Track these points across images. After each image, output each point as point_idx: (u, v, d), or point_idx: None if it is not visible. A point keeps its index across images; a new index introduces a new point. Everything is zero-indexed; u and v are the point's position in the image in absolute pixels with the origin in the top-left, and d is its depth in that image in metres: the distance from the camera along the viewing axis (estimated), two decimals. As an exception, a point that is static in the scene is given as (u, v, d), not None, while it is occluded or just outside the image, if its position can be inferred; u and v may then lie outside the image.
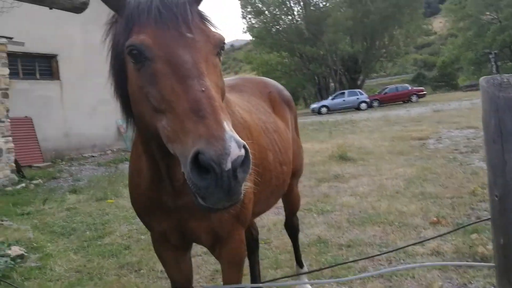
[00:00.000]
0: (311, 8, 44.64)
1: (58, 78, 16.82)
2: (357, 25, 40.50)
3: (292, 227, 3.91)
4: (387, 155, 10.63)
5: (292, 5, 45.40)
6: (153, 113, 1.56)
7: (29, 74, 16.31)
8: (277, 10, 44.78)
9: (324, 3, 44.98)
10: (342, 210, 6.36)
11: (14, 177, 10.77)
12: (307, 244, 5.08)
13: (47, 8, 3.30)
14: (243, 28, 48.21)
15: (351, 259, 4.53)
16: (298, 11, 45.85)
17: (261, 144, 2.60)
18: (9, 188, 10.07)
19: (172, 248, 2.36)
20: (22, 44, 11.82)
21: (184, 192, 1.93)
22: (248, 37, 47.01)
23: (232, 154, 1.30)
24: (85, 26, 15.26)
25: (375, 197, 6.86)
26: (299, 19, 45.99)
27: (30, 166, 13.52)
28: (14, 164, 10.90)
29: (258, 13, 45.46)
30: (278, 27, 45.37)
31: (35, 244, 5.60)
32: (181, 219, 2.12)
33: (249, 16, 46.25)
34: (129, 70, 1.67)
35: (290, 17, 45.94)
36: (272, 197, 2.86)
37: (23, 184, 10.45)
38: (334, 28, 39.42)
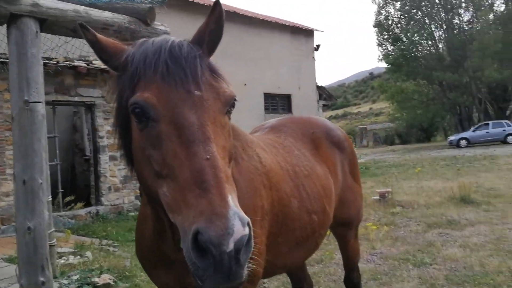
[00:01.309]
0: (455, 31, 41.68)
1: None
2: (508, 48, 36.56)
3: (350, 284, 3.55)
4: (521, 200, 9.23)
5: (434, 29, 42.96)
6: (155, 177, 1.48)
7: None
8: (416, 35, 42.73)
9: (470, 25, 41.71)
10: (444, 264, 5.63)
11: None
12: (389, 302, 4.56)
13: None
14: (379, 56, 46.63)
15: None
16: (439, 35, 43.19)
17: (283, 190, 2.40)
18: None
19: None
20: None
21: None
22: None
23: (235, 234, 1.21)
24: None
25: (488, 251, 5.95)
26: (440, 45, 43.30)
27: (156, 191, 14.67)
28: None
29: (395, 39, 43.89)
30: (417, 53, 43.24)
31: (127, 273, 5.89)
32: (182, 273, 2.00)
33: (386, 43, 44.98)
34: (133, 128, 1.61)
35: (430, 42, 43.49)
36: (299, 249, 2.60)
37: (144, 209, 11.30)
38: (480, 52, 36.14)
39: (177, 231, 1.82)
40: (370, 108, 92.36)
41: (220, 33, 1.65)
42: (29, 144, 3.14)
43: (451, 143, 32.97)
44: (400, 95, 42.59)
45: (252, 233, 1.27)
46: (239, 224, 1.22)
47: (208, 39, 1.64)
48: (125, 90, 1.59)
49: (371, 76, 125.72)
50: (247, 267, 1.29)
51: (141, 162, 1.57)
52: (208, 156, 1.35)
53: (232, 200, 1.28)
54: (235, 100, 1.60)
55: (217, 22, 1.62)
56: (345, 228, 3.25)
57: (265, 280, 5.48)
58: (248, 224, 1.25)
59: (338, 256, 6.25)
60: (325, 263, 6.03)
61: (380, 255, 6.25)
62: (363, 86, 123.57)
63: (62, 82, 10.31)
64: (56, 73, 9.75)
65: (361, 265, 5.73)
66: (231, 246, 1.19)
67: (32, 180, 3.15)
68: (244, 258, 1.25)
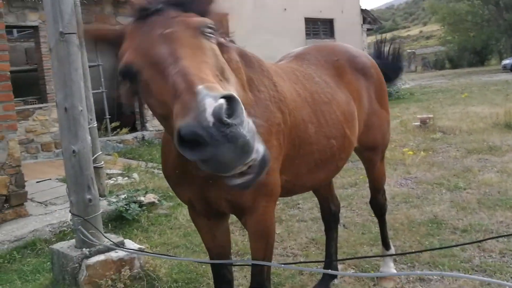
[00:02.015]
0: None
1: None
2: None
3: (376, 205, 3.68)
4: None
5: None
6: (167, 122, 1.54)
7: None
8: (473, -51, 39.25)
9: None
10: (478, 188, 5.65)
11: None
12: (418, 223, 4.71)
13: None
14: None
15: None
16: (498, -52, 39.47)
17: (300, 116, 2.50)
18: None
19: (203, 216, 2.47)
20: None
21: None
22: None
23: (208, 109, 1.24)
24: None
25: (526, 177, 5.88)
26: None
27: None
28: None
29: (449, -45, 40.61)
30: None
31: (170, 193, 6.27)
32: (203, 188, 2.19)
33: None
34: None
35: (488, -43, 39.93)
36: (318, 171, 2.74)
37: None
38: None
39: None
40: (421, 31, 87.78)
41: None
42: (67, 74, 3.34)
43: (505, 67, 31.17)
44: (452, 17, 40.06)
45: (236, 101, 1.29)
46: (210, 100, 1.25)
47: None
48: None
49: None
50: (248, 125, 1.30)
51: (157, 117, 1.69)
52: (177, 70, 1.42)
53: (206, 89, 1.30)
54: (210, 26, 1.64)
55: None
56: (371, 152, 3.34)
57: (300, 201, 5.74)
58: (225, 96, 1.28)
59: (372, 180, 6.39)
60: (358, 187, 6.19)
61: (414, 179, 6.33)
62: (413, 8, 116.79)
63: (102, 11, 10.46)
64: (96, 2, 9.86)
65: (394, 189, 5.90)
66: (209, 118, 1.22)
67: (73, 107, 3.39)
68: (237, 121, 1.26)
